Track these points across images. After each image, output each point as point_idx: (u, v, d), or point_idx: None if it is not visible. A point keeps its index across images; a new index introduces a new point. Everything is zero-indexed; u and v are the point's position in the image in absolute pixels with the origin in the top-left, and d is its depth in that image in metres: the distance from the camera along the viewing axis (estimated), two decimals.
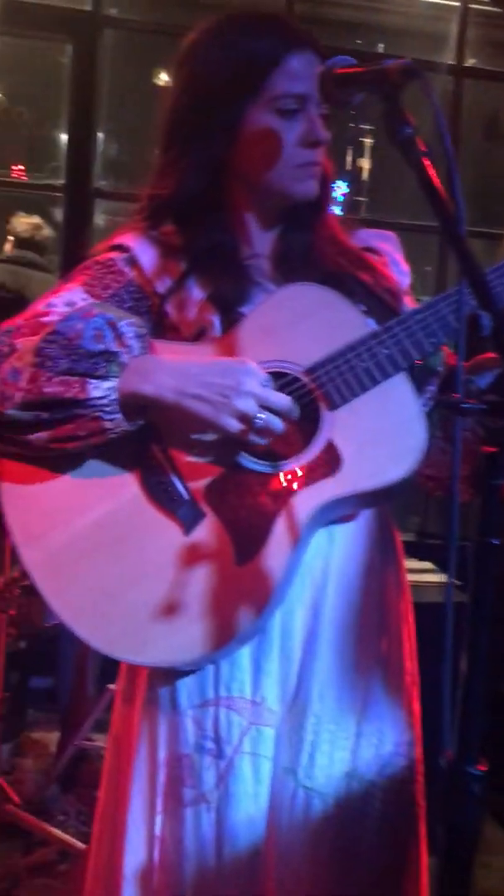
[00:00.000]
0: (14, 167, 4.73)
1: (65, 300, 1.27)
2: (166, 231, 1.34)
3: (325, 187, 1.36)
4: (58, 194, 4.06)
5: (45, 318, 1.22)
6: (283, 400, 1.18)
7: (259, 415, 1.15)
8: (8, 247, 4.26)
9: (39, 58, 4.56)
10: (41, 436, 1.19)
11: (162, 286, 1.30)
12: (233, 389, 1.15)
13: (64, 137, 4.08)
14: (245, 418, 1.16)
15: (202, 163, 1.30)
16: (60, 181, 4.00)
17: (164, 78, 5.77)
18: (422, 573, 2.89)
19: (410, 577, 1.40)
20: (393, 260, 1.41)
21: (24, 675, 3.28)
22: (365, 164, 5.72)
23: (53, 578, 1.21)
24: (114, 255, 1.33)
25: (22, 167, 4.81)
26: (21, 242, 4.18)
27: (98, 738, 3.13)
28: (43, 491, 1.23)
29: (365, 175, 5.70)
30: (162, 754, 1.28)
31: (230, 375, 1.16)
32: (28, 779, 3.01)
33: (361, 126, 5.47)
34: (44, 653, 3.06)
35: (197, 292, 1.30)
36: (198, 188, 1.30)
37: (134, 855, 1.28)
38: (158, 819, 1.28)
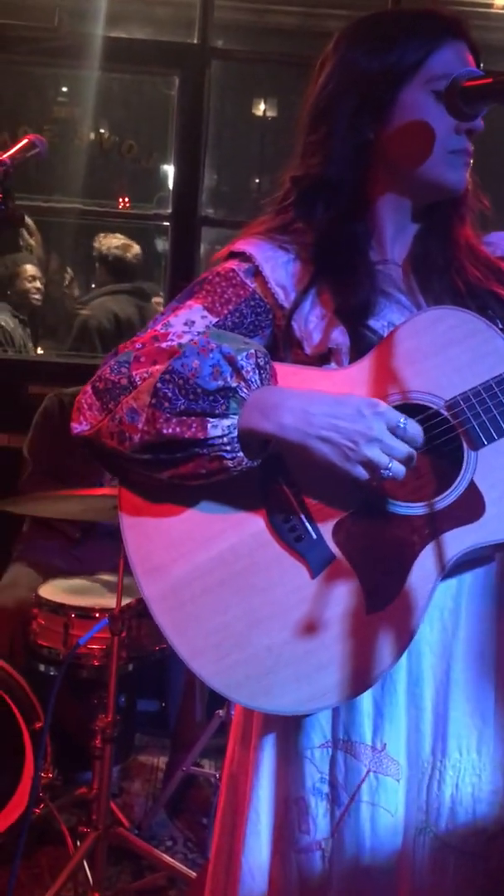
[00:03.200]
0: (120, 199, 4.86)
1: (183, 319, 1.25)
2: (295, 229, 1.29)
3: (469, 188, 1.29)
4: (165, 224, 4.15)
5: (164, 344, 1.20)
6: (408, 451, 1.12)
7: (388, 465, 1.10)
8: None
9: (146, 92, 4.68)
10: (162, 475, 1.17)
11: (286, 298, 1.26)
12: (362, 436, 1.10)
13: (169, 168, 4.17)
14: (373, 467, 1.11)
15: (351, 142, 1.25)
16: (167, 211, 4.08)
17: (262, 108, 5.87)
18: None
19: None
20: None
21: (133, 699, 3.31)
22: None
23: (173, 613, 1.19)
24: (235, 265, 1.29)
25: (126, 199, 4.94)
26: (120, 269, 4.22)
27: (206, 763, 3.13)
28: (163, 522, 1.21)
29: None
30: (277, 795, 1.25)
31: (361, 420, 1.11)
32: (136, 803, 3.03)
33: None
34: (152, 676, 3.08)
35: (323, 304, 1.25)
36: (344, 169, 1.26)
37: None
38: (271, 861, 1.26)
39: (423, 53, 1.21)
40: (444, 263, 1.29)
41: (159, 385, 1.14)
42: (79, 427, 1.22)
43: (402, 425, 1.11)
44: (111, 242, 4.31)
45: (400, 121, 1.23)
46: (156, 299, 4.90)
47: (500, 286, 1.27)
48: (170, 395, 1.13)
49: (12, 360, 4.23)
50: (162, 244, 4.96)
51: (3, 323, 4.31)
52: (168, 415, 1.13)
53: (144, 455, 1.16)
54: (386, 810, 1.21)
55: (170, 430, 1.13)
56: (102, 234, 4.37)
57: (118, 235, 4.35)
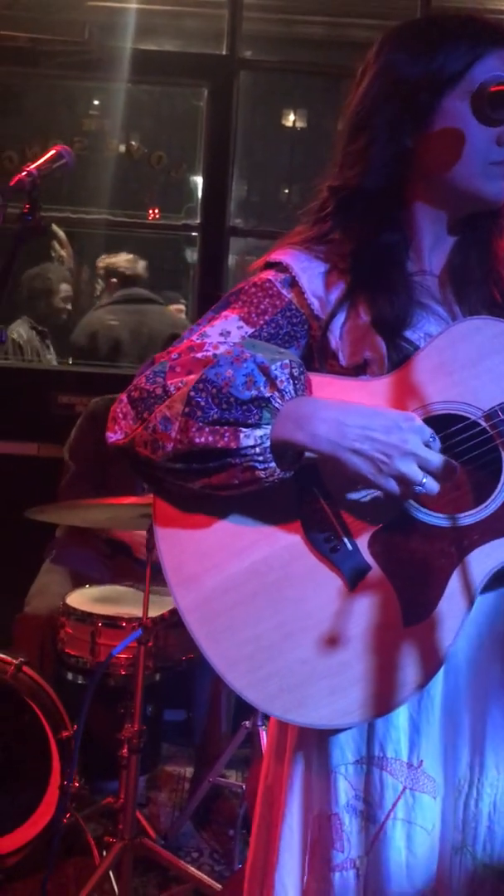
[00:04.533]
0: (151, 210, 4.89)
1: (219, 330, 1.25)
2: (332, 240, 1.29)
3: None
4: (194, 234, 4.16)
5: (200, 354, 1.20)
6: (446, 465, 1.11)
7: (422, 480, 1.10)
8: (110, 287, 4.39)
9: (175, 103, 4.71)
10: (194, 485, 1.17)
11: (322, 309, 1.26)
12: (396, 449, 1.09)
13: (198, 179, 4.19)
14: (407, 482, 1.10)
15: (390, 151, 1.24)
16: (196, 221, 4.10)
17: (291, 119, 5.88)
18: None
19: None
20: None
21: (160, 708, 3.30)
22: None
23: (207, 624, 1.18)
24: (271, 275, 1.28)
25: (157, 210, 4.97)
26: (126, 280, 4.33)
27: (232, 774, 3.11)
28: (197, 532, 1.21)
29: None
30: (310, 811, 1.24)
31: (394, 432, 1.10)
32: (163, 813, 3.02)
33: None
34: (179, 685, 3.07)
35: (360, 315, 1.24)
36: (383, 179, 1.25)
37: None
38: (305, 879, 1.24)
39: (467, 62, 1.19)
40: (481, 275, 1.28)
41: (192, 394, 1.14)
42: (113, 436, 1.22)
43: (433, 440, 1.11)
44: (118, 259, 4.40)
45: (440, 129, 1.21)
46: (176, 307, 4.96)
47: None
48: (203, 404, 1.13)
49: (42, 370, 4.26)
50: (191, 254, 4.99)
51: (15, 335, 4.34)
52: (201, 424, 1.13)
53: (176, 464, 1.16)
54: (422, 828, 1.19)
55: (202, 440, 1.13)
56: (105, 255, 4.46)
57: (123, 254, 4.44)
